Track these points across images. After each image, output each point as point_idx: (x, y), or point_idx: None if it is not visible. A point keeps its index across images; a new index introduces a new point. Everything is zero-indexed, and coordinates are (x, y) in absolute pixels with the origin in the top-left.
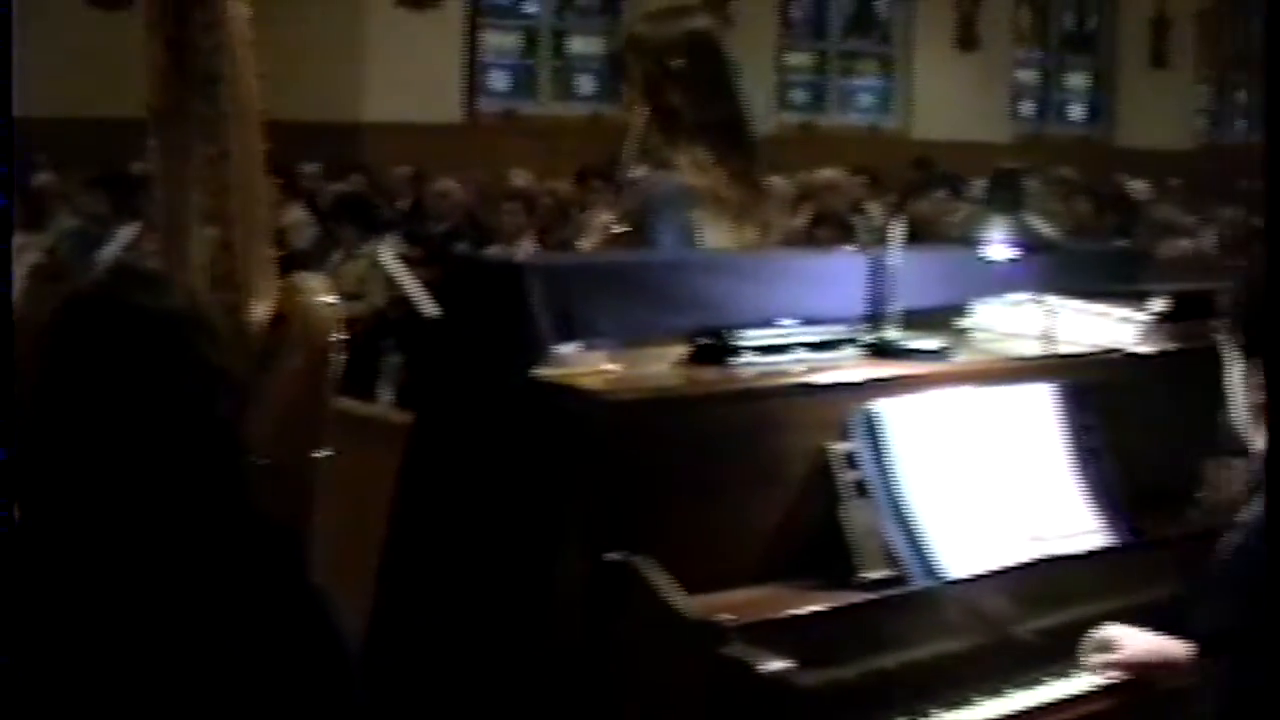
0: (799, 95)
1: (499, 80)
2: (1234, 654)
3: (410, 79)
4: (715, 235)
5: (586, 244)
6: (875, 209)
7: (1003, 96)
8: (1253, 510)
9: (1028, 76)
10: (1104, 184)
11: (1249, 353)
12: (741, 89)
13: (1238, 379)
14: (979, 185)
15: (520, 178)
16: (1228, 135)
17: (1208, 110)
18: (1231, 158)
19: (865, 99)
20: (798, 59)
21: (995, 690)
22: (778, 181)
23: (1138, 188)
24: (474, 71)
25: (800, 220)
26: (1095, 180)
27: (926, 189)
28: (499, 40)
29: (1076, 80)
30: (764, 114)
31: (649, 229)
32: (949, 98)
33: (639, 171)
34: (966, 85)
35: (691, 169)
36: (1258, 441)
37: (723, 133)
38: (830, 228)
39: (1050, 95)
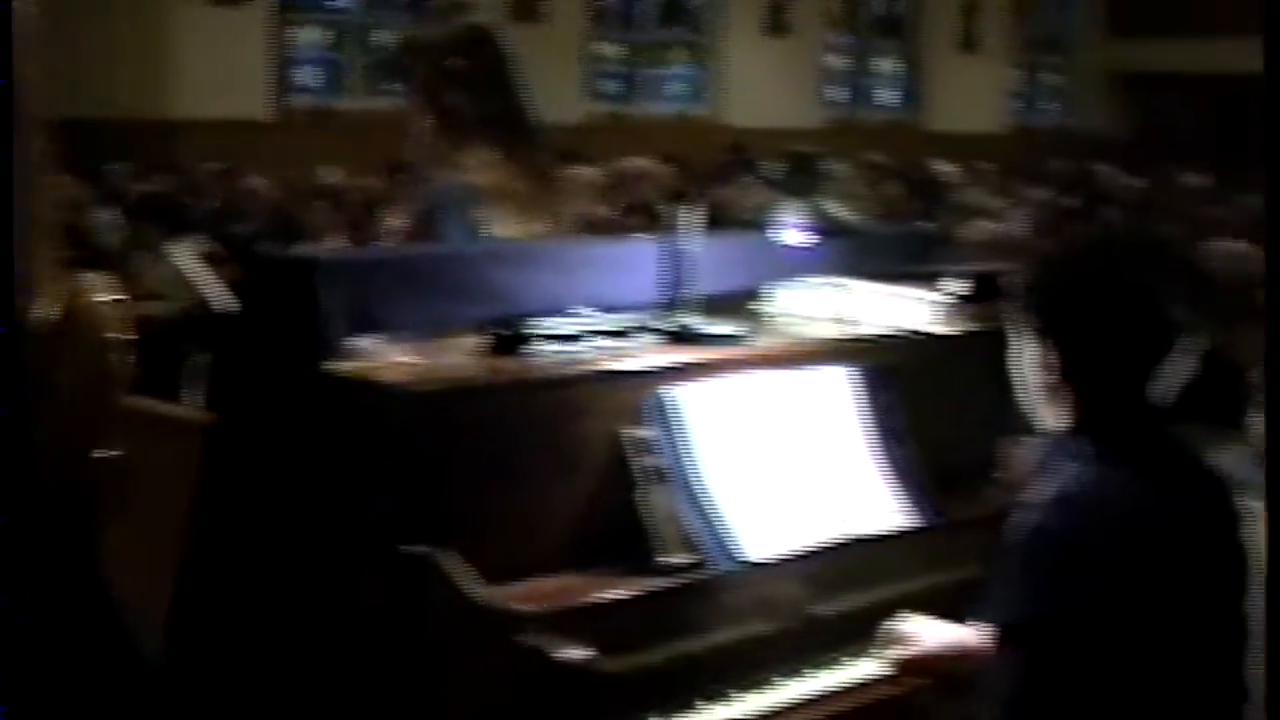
0: (609, 85)
1: (308, 76)
2: (1033, 640)
3: (219, 76)
4: (504, 229)
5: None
6: (688, 197)
7: (813, 82)
8: (1042, 491)
9: (838, 62)
10: (914, 168)
11: (1042, 334)
12: (522, 82)
13: (1027, 359)
14: (775, 169)
15: (330, 174)
16: (1038, 118)
17: (1018, 93)
18: (1042, 140)
19: (676, 87)
20: (608, 49)
21: (795, 671)
22: (586, 171)
23: (946, 171)
24: (283, 67)
25: (608, 210)
26: (906, 165)
27: (734, 175)
28: (308, 36)
29: (886, 65)
30: (573, 104)
31: (436, 228)
32: (760, 84)
33: (430, 172)
34: (777, 71)
35: (478, 167)
36: (1047, 420)
37: (506, 128)
38: (641, 216)
39: (860, 80)
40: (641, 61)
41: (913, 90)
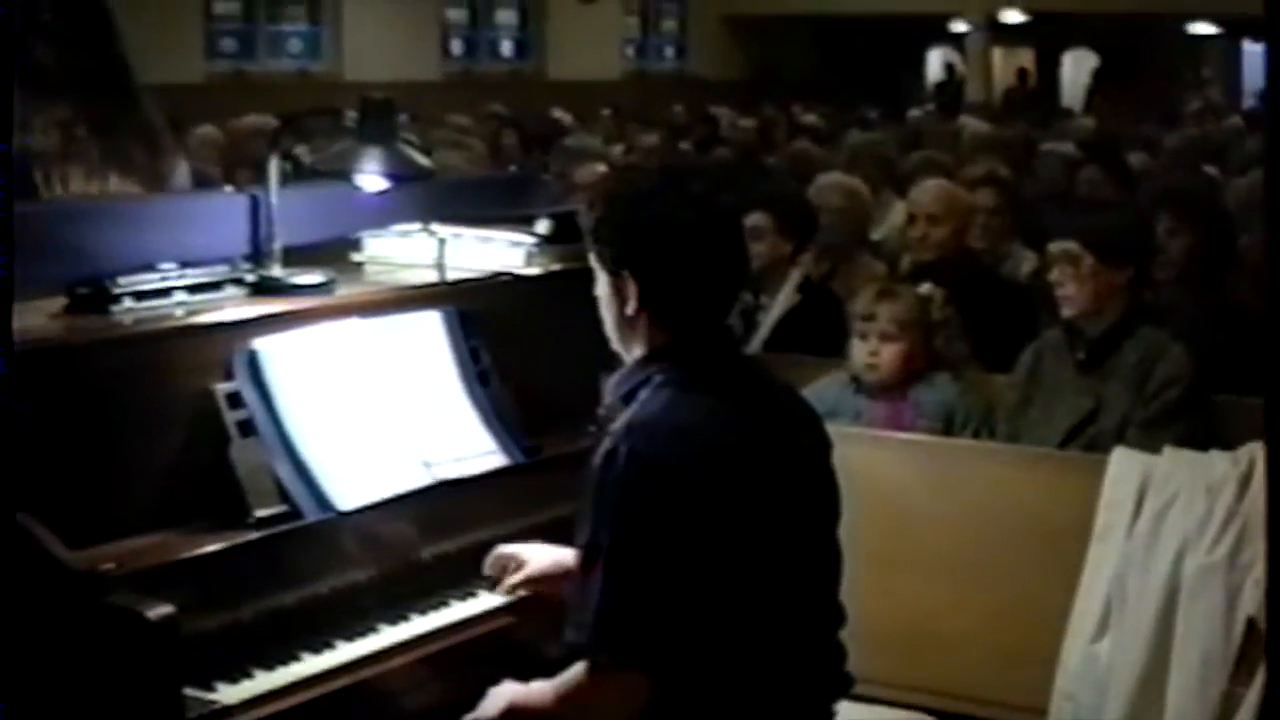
0: (229, 43)
1: None
2: (611, 563)
3: None
4: (81, 188)
5: None
6: (278, 150)
7: (435, 36)
8: (618, 422)
9: (458, 15)
10: (533, 117)
11: (614, 265)
12: (121, 37)
13: (605, 294)
14: (353, 118)
15: None
16: (657, 64)
17: (634, 41)
18: (660, 86)
19: (296, 44)
20: (226, 7)
21: (400, 617)
22: (207, 130)
23: (562, 119)
24: None
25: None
26: (524, 114)
27: (322, 128)
28: None
29: (506, 16)
30: (195, 64)
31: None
32: (380, 39)
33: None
34: (397, 26)
35: (46, 128)
36: (631, 352)
37: (96, 85)
38: (250, 172)
39: (480, 33)
40: (260, 18)
41: (532, 41)
